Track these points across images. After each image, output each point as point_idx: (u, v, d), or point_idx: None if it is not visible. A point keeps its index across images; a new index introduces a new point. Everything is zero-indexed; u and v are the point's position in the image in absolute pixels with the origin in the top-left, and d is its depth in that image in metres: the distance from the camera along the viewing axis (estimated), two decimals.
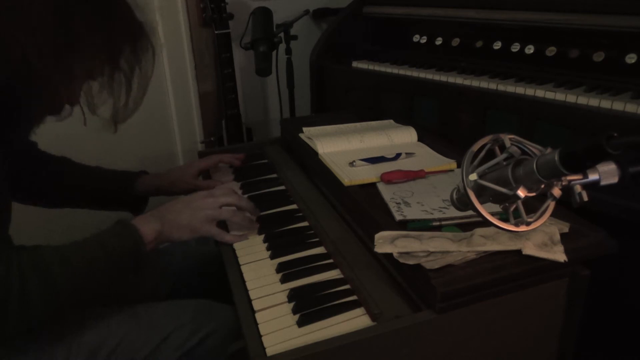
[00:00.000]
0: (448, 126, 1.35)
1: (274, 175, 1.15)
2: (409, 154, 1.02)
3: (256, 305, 0.71)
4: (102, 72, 0.73)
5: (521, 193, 0.54)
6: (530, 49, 1.27)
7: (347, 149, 1.07)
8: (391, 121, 1.25)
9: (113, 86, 0.74)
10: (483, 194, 0.59)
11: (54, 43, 0.66)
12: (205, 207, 0.86)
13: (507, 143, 0.58)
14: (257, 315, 0.69)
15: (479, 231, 0.69)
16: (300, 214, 0.95)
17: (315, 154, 1.06)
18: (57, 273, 0.68)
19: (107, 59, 0.73)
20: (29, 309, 0.65)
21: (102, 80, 0.74)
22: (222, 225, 0.91)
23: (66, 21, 0.66)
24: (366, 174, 0.92)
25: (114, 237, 0.76)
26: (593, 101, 1.05)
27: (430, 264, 0.65)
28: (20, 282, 0.64)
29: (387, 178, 0.90)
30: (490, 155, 0.59)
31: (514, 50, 1.31)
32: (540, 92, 1.15)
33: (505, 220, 0.59)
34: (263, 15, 1.68)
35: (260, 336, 0.65)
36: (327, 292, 0.73)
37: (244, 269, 0.80)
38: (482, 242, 0.67)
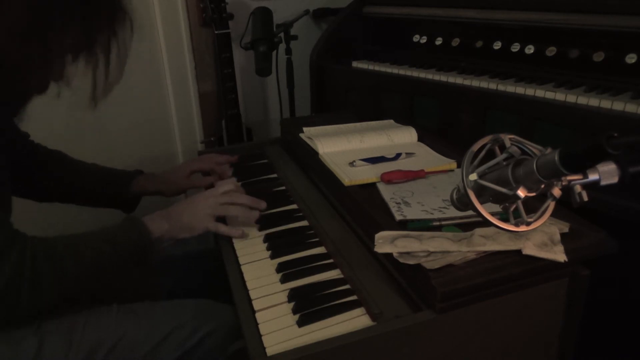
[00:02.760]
0: (448, 126, 1.35)
1: (274, 175, 1.15)
2: (409, 154, 1.02)
3: (256, 305, 0.71)
4: (80, 47, 0.71)
5: (521, 193, 0.54)
6: (530, 49, 1.27)
7: (347, 149, 1.07)
8: (391, 121, 1.25)
9: (91, 60, 0.73)
10: (483, 194, 0.59)
11: (26, 22, 0.65)
12: (206, 207, 0.89)
13: (507, 143, 0.58)
14: (257, 315, 0.69)
15: (479, 231, 0.69)
16: (300, 214, 0.95)
17: (315, 154, 1.06)
18: (68, 263, 0.73)
19: (84, 32, 0.71)
20: (40, 296, 0.70)
21: (80, 54, 0.72)
22: (222, 220, 0.92)
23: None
24: (366, 174, 0.92)
25: (123, 233, 0.81)
26: (593, 101, 1.05)
27: (430, 264, 0.65)
28: (33, 269, 0.68)
29: (387, 178, 0.90)
30: (490, 155, 0.59)
31: (514, 50, 1.30)
32: (540, 92, 1.15)
33: (505, 220, 0.59)
34: (263, 15, 1.68)
35: (260, 336, 0.65)
36: (327, 292, 0.73)
37: (244, 268, 0.80)
38: (482, 242, 0.67)
